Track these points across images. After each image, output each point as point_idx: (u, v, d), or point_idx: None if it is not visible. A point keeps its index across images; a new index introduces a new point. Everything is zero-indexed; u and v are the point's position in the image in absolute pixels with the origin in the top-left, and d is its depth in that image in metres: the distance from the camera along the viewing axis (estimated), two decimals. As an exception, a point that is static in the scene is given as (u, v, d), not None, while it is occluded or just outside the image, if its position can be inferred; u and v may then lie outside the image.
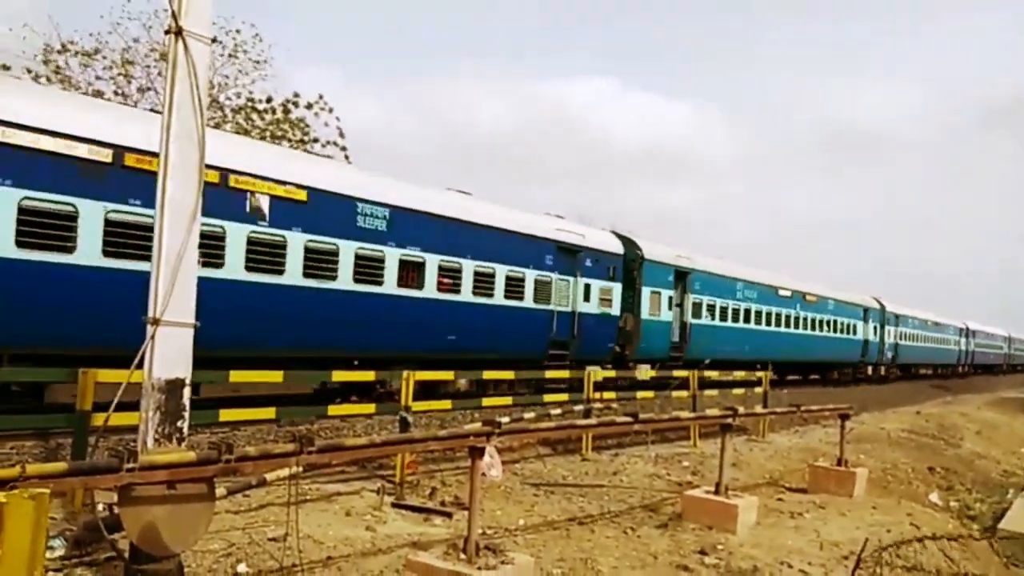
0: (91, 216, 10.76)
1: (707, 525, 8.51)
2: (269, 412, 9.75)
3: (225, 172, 12.13)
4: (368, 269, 14.56)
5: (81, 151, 10.64)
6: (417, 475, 9.78)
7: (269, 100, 28.96)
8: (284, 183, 13.17)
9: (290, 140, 28.60)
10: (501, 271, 17.41)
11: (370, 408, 11.85)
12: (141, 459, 4.23)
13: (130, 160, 11.05)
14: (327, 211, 13.87)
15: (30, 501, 2.32)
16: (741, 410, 9.84)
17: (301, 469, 6.50)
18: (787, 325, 30.91)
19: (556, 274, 18.90)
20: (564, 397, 14.49)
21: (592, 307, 20.16)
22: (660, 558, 7.43)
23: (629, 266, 21.83)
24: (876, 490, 12.02)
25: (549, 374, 16.38)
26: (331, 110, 30.03)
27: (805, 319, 32.37)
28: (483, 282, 16.99)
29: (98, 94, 25.40)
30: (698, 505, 8.82)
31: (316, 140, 29.80)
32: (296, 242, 13.33)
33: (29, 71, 24.54)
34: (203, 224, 5.01)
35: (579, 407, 13.73)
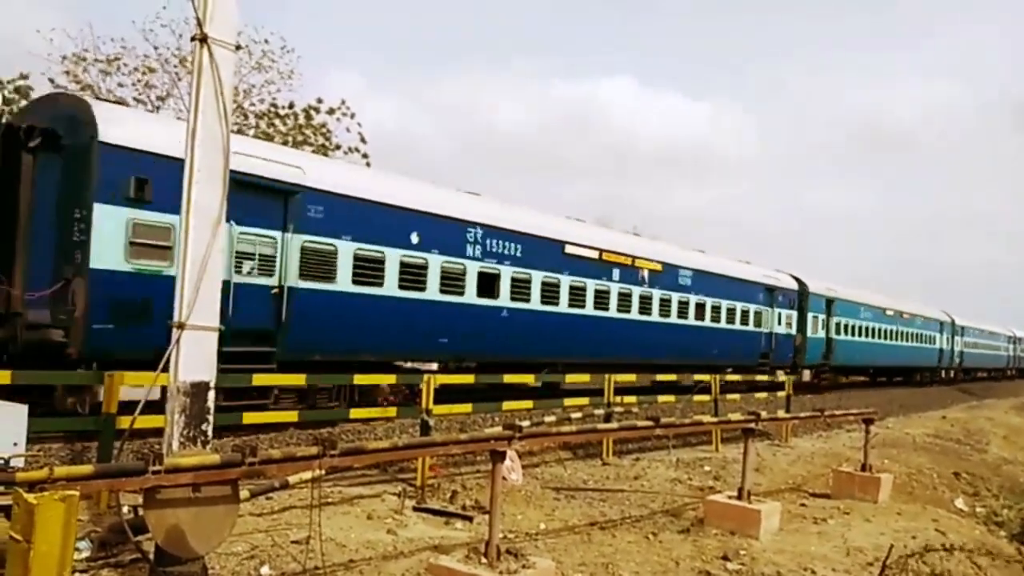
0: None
1: (729, 530, 8.44)
2: (292, 415, 9.82)
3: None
4: (647, 305, 20.89)
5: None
6: (438, 478, 9.79)
7: (291, 106, 29.19)
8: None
9: (312, 145, 28.78)
10: (739, 306, 25.30)
11: (391, 412, 11.89)
12: (166, 462, 4.28)
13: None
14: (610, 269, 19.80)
15: (60, 503, 2.35)
16: (764, 415, 9.76)
17: (323, 472, 6.54)
18: (892, 338, 38.70)
19: (764, 306, 26.68)
20: (584, 401, 14.46)
21: (781, 329, 27.75)
22: (682, 564, 7.39)
23: (800, 298, 29.38)
24: (901, 496, 11.87)
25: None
26: (353, 115, 30.21)
27: (904, 332, 40.27)
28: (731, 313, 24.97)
29: (120, 102, 25.72)
30: (720, 510, 8.76)
31: (338, 147, 29.99)
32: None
33: (51, 80, 24.92)
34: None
35: (599, 411, 13.69)
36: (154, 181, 10.26)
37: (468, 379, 13.21)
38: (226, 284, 7.42)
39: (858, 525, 9.55)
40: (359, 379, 11.88)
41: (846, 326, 32.92)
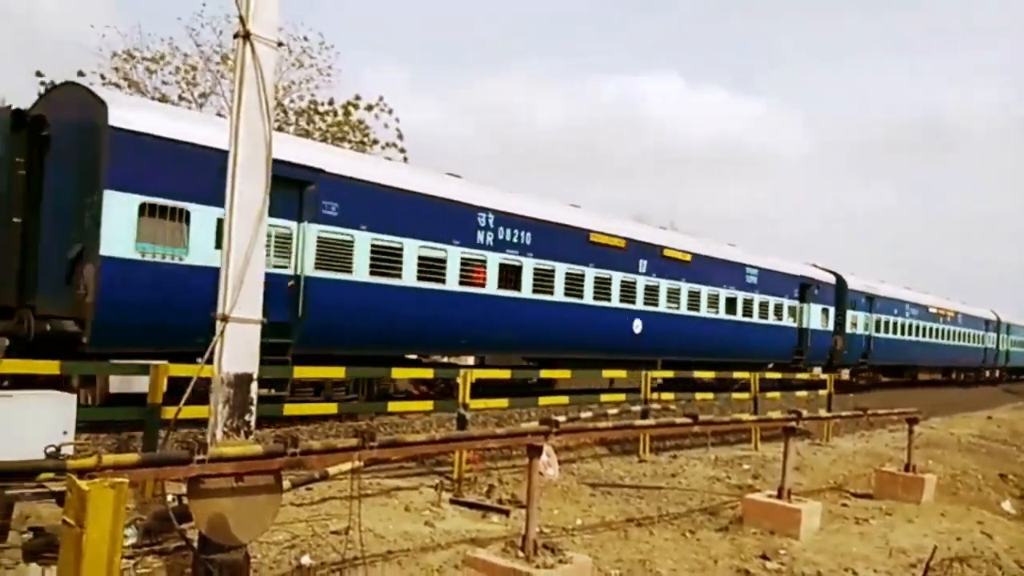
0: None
1: (769, 529, 8.35)
2: (331, 407, 9.93)
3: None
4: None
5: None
6: (475, 472, 9.83)
7: (331, 103, 29.46)
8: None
9: (350, 142, 29.03)
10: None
11: (428, 405, 11.96)
12: (210, 451, 4.36)
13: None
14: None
15: (111, 490, 2.41)
16: (805, 413, 9.63)
17: (362, 464, 6.60)
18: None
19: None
20: (621, 397, 14.40)
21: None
22: (720, 562, 7.33)
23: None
24: (945, 497, 11.63)
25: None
26: (390, 111, 30.39)
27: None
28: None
29: (164, 99, 26.22)
30: (760, 509, 8.66)
31: (376, 142, 30.19)
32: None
33: (103, 77, 25.48)
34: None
35: (636, 408, 13.63)
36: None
37: (504, 374, 13.23)
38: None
39: (901, 526, 9.38)
40: (397, 373, 12.00)
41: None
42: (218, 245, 10.74)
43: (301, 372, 9.70)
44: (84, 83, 14.46)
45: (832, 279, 28.54)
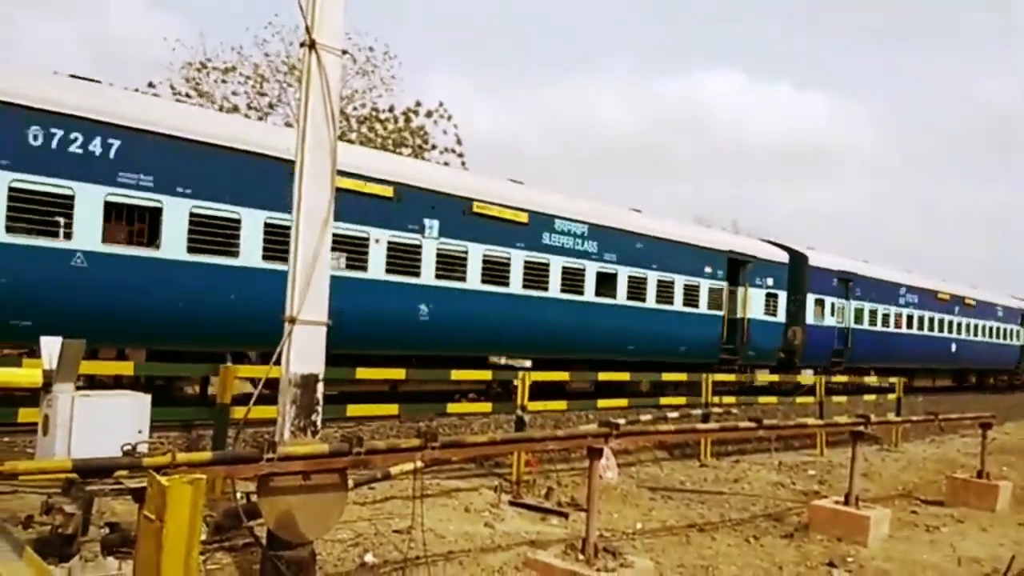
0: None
1: (836, 536, 8.17)
2: (392, 408, 10.07)
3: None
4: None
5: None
6: (533, 474, 9.86)
7: (391, 109, 29.91)
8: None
9: (411, 148, 29.42)
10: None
11: (487, 407, 12.05)
12: (279, 450, 4.47)
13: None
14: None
15: (189, 486, 2.52)
16: (873, 418, 9.39)
17: (424, 464, 6.69)
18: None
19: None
20: (682, 400, 14.25)
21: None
22: (785, 569, 7.20)
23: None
24: (1022, 506, 11.19)
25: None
26: (449, 117, 30.70)
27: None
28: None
29: (234, 109, 26.99)
30: (826, 516, 8.48)
31: (434, 147, 30.53)
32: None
33: (172, 88, 26.37)
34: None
35: (696, 411, 13.48)
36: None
37: (563, 376, 13.22)
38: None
39: (973, 534, 9.07)
40: (456, 375, 12.10)
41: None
42: None
43: (364, 373, 9.85)
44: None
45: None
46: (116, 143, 10.20)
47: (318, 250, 4.96)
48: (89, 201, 9.97)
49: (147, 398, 6.82)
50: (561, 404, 12.53)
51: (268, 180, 11.13)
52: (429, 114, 30.42)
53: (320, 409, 5.03)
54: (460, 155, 30.76)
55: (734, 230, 32.02)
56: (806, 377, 19.45)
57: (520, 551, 6.69)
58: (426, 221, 13.32)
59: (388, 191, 12.82)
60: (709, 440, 12.34)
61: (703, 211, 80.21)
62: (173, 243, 10.72)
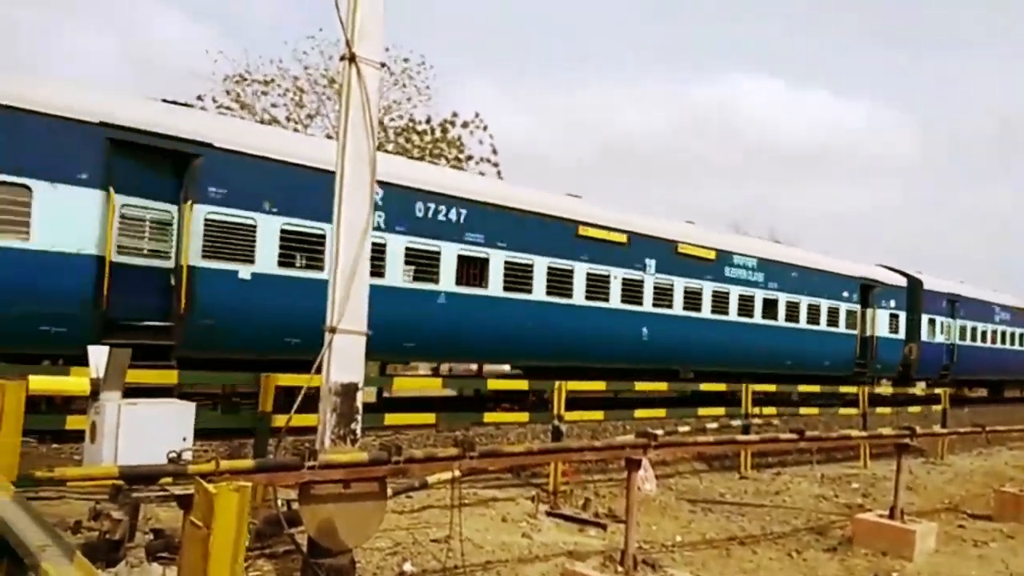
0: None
1: (881, 551, 7.99)
2: (430, 417, 10.11)
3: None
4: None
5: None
6: (571, 485, 9.81)
7: (428, 120, 30.13)
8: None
9: (447, 159, 29.60)
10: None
11: (524, 417, 12.03)
12: (320, 458, 4.52)
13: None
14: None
15: (236, 493, 2.55)
16: (918, 429, 9.19)
17: (461, 473, 6.70)
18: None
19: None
20: (721, 411, 14.09)
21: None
22: (828, 583, 7.07)
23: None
24: (1076, 522, 10.84)
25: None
26: (485, 127, 30.83)
27: None
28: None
29: (273, 120, 27.42)
30: (871, 529, 8.31)
31: (470, 157, 30.68)
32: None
33: (215, 100, 26.89)
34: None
35: (736, 422, 13.31)
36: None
37: (599, 386, 13.16)
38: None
39: (1025, 551, 8.82)
40: (493, 384, 12.12)
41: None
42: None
43: (403, 384, 9.91)
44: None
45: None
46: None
47: (357, 261, 5.01)
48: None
49: (192, 406, 6.93)
50: (598, 414, 12.46)
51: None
52: (465, 125, 30.59)
53: (360, 418, 5.08)
54: (495, 164, 30.88)
55: (770, 237, 31.59)
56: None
57: (558, 562, 6.66)
58: (647, 260, 16.82)
59: (623, 238, 16.38)
60: (749, 452, 12.17)
61: (741, 216, 79.37)
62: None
